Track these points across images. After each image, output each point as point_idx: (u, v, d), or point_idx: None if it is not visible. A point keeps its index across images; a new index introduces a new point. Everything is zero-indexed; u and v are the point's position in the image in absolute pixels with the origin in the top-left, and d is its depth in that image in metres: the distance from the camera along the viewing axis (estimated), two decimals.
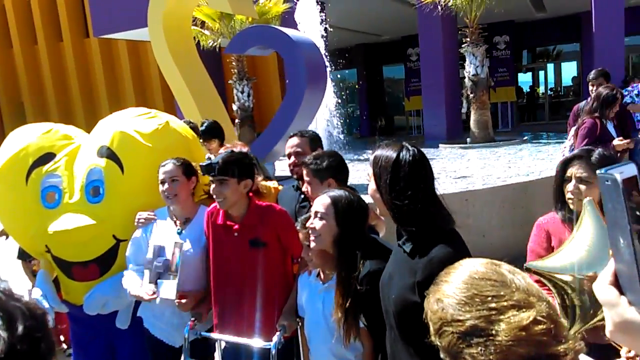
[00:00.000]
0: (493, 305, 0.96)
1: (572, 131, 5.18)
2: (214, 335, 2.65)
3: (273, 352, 2.42)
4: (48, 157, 3.15)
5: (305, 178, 2.65)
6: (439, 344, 1.04)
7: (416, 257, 1.77)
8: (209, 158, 4.06)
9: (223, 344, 2.80)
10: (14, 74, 23.40)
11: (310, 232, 2.26)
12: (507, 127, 17.24)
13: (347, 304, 2.14)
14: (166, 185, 2.75)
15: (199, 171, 2.96)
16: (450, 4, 8.98)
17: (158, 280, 2.67)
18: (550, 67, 21.12)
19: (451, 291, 1.04)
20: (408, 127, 20.79)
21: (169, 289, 2.64)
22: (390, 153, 1.82)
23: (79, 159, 3.15)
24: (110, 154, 3.05)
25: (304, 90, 6.22)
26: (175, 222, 2.86)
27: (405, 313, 1.78)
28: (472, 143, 9.21)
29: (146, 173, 3.04)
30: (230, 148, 3.20)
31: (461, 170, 6.89)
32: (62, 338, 4.39)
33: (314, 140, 3.08)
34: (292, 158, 3.01)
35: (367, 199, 2.14)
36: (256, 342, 2.51)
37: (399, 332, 1.85)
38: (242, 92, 11.40)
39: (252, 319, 2.59)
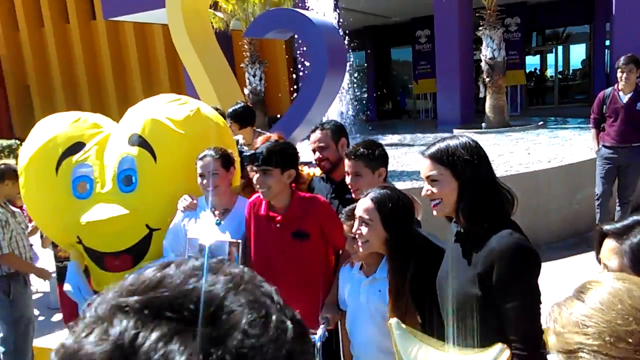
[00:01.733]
0: None
1: None
2: None
3: (318, 345, 2.39)
4: (78, 146, 3.10)
5: (352, 170, 2.58)
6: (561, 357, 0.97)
7: (475, 250, 1.75)
8: (241, 145, 4.01)
9: None
10: (20, 57, 23.30)
11: (357, 237, 2.21)
12: (516, 111, 17.06)
13: (400, 304, 2.11)
14: (206, 180, 2.71)
15: (236, 160, 2.92)
16: None
17: None
18: (559, 49, 20.85)
19: (600, 318, 0.93)
20: (415, 110, 20.64)
21: None
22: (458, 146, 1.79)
23: (110, 147, 3.10)
24: (142, 142, 3.00)
25: (325, 74, 6.13)
26: (213, 213, 2.82)
27: (466, 306, 1.75)
28: (487, 128, 9.11)
29: (179, 161, 3.00)
30: (265, 137, 3.14)
31: None
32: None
33: (336, 131, 2.99)
34: (317, 153, 2.94)
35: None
36: None
37: (457, 328, 1.82)
38: (254, 76, 11.31)
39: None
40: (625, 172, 5.15)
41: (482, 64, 9.34)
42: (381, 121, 18.11)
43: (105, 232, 2.95)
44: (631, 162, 5.10)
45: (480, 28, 9.34)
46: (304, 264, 2.56)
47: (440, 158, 1.80)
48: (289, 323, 0.53)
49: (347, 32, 9.78)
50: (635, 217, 1.40)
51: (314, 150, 2.95)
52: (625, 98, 5.11)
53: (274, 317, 0.53)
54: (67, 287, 3.01)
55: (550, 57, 21.55)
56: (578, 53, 21.16)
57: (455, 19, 10.67)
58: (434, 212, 1.88)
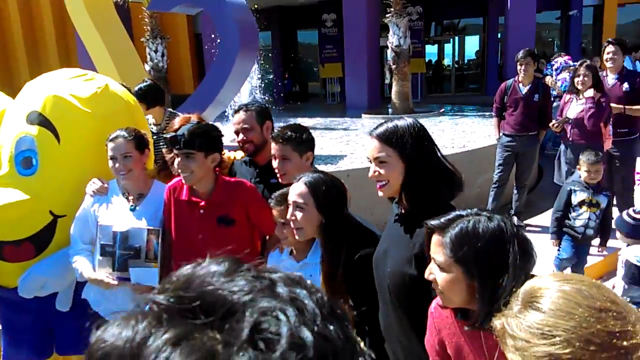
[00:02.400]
0: (623, 344, 0.90)
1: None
2: None
3: None
4: None
5: (279, 153, 2.51)
6: None
7: (415, 231, 1.78)
8: (151, 125, 3.78)
9: None
10: None
11: (291, 223, 2.17)
12: (416, 97, 17.77)
13: (335, 288, 2.10)
14: (118, 164, 2.52)
15: (150, 142, 2.75)
16: None
17: (130, 268, 2.48)
18: (456, 40, 21.94)
19: (565, 325, 0.93)
20: (322, 94, 20.83)
21: (148, 276, 2.49)
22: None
23: (5, 126, 2.80)
24: (42, 121, 2.72)
25: (237, 54, 5.96)
26: (127, 198, 2.63)
27: (401, 286, 1.81)
28: (393, 114, 9.38)
29: (85, 142, 2.78)
30: (184, 118, 2.97)
31: None
32: None
33: (261, 113, 2.91)
34: (241, 135, 2.85)
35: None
36: None
37: (393, 306, 1.85)
38: (156, 52, 10.75)
39: None
40: (522, 159, 5.53)
41: (389, 50, 9.57)
42: (289, 104, 18.04)
43: (3, 220, 2.66)
44: (527, 150, 5.50)
45: (388, 15, 9.55)
46: (230, 250, 2.46)
47: (388, 139, 1.79)
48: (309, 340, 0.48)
49: (254, 10, 9.57)
50: (457, 212, 1.47)
51: (237, 132, 2.84)
52: (524, 89, 5.47)
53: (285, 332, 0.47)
54: None
55: (448, 47, 22.64)
56: (472, 44, 22.43)
57: (363, 5, 10.83)
58: (380, 193, 1.88)
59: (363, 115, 9.56)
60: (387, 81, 9.93)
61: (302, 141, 2.55)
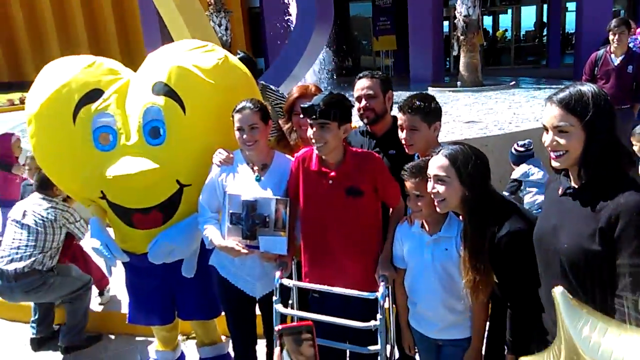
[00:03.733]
0: None
1: None
2: (309, 285, 2.54)
3: (381, 302, 2.34)
4: (95, 93, 2.84)
5: (408, 124, 2.48)
6: None
7: (597, 205, 1.69)
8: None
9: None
10: None
11: (433, 196, 2.15)
12: None
13: (479, 263, 2.08)
14: (246, 135, 2.55)
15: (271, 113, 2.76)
16: None
17: (260, 236, 2.52)
18: (512, 10, 21.12)
19: None
20: (375, 68, 20.53)
21: (277, 245, 2.53)
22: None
23: (131, 96, 2.86)
24: (168, 92, 2.77)
25: (314, 27, 5.92)
26: (252, 168, 2.67)
27: (582, 262, 1.71)
28: (461, 86, 9.16)
29: (210, 113, 2.82)
30: (303, 86, 2.98)
31: (466, 114, 6.86)
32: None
33: (385, 82, 2.88)
34: (364, 101, 2.81)
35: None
36: (357, 293, 2.42)
37: (566, 282, 1.78)
38: (220, 26, 10.79)
39: (346, 269, 2.49)
40: None
41: (457, 21, 9.30)
42: (344, 77, 17.90)
43: (133, 187, 2.75)
44: (621, 125, 5.26)
45: None
46: (357, 221, 2.48)
47: (572, 107, 1.70)
48: None
49: None
50: None
51: (359, 98, 2.81)
52: (617, 60, 5.24)
53: None
54: (94, 243, 2.81)
55: (504, 18, 21.87)
56: (530, 14, 21.58)
57: None
58: (556, 164, 1.80)
59: (429, 89, 9.38)
60: (454, 53, 9.60)
61: (431, 110, 2.51)
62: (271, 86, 4.34)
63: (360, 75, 2.88)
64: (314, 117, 2.33)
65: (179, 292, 3.02)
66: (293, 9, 8.42)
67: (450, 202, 2.14)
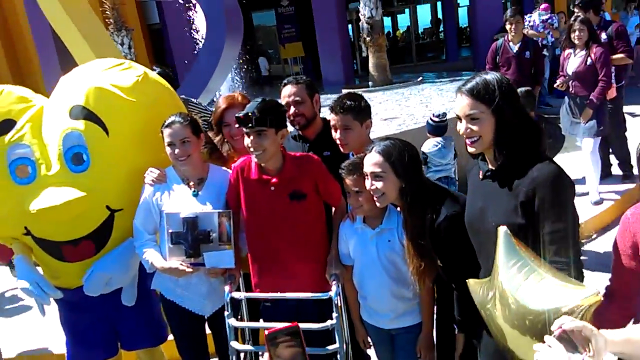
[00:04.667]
0: None
1: None
2: (262, 295, 2.51)
3: (336, 300, 2.37)
4: (7, 124, 2.66)
5: (341, 123, 2.54)
6: None
7: (512, 183, 1.83)
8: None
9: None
10: None
11: (372, 192, 2.21)
12: None
13: (422, 251, 2.16)
14: (177, 149, 2.49)
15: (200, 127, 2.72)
16: None
17: (204, 253, 2.46)
18: (407, 10, 22.04)
19: None
20: (285, 75, 20.62)
21: (223, 259, 2.48)
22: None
23: (47, 123, 2.71)
24: (88, 115, 2.65)
25: (225, 38, 5.88)
26: (187, 184, 2.61)
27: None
28: (373, 86, 9.45)
29: (134, 132, 2.73)
30: (228, 96, 2.95)
31: (382, 112, 7.08)
32: None
33: (310, 86, 2.94)
34: (292, 108, 2.85)
35: None
36: (311, 295, 2.43)
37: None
38: (122, 44, 10.42)
39: (297, 273, 2.50)
40: None
41: (361, 23, 9.58)
42: (255, 87, 17.81)
43: (60, 219, 2.59)
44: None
45: None
46: (303, 224, 2.50)
47: (479, 95, 1.84)
48: None
49: None
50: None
51: (287, 105, 2.84)
52: (515, 48, 5.63)
53: None
54: (22, 284, 2.61)
55: (402, 18, 22.78)
56: (426, 13, 22.64)
57: None
58: (471, 149, 1.93)
59: (343, 90, 9.55)
60: (364, 54, 9.90)
61: (362, 109, 2.59)
62: (192, 99, 4.27)
63: (285, 81, 2.91)
64: (250, 125, 2.32)
65: (120, 322, 2.88)
66: (199, 22, 8.31)
67: (389, 196, 2.22)
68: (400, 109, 7.22)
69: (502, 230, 1.67)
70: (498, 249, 1.66)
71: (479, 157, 2.02)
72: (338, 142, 2.59)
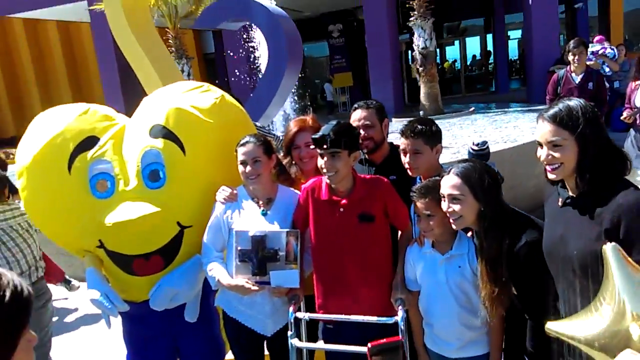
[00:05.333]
0: None
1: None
2: (326, 316, 2.52)
3: (402, 326, 2.36)
4: (91, 141, 2.79)
5: (411, 147, 2.56)
6: None
7: (595, 210, 1.80)
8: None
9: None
10: None
11: (449, 215, 2.21)
12: None
13: (498, 276, 2.13)
14: (249, 168, 2.57)
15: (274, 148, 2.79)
16: None
17: (271, 272, 2.51)
18: (458, 42, 22.05)
19: None
20: (334, 104, 20.91)
21: (289, 278, 2.52)
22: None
23: (128, 141, 2.84)
24: (167, 134, 2.77)
25: (285, 66, 6.03)
26: (257, 203, 2.67)
27: (595, 264, 1.79)
28: (424, 116, 9.42)
29: (210, 152, 2.83)
30: (300, 120, 3.03)
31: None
32: None
33: (380, 110, 2.99)
34: (362, 131, 2.87)
35: None
36: (376, 319, 2.42)
37: (582, 286, 1.86)
38: (182, 72, 10.83)
39: (362, 296, 2.50)
40: None
41: (415, 53, 9.65)
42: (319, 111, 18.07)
43: (134, 233, 2.69)
44: None
45: (412, 19, 9.65)
46: (371, 246, 2.51)
47: (563, 122, 1.82)
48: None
49: None
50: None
51: (357, 128, 2.88)
52: (577, 79, 5.55)
53: None
54: (93, 294, 2.71)
55: (451, 50, 22.78)
56: (475, 45, 22.57)
57: (384, 10, 10.95)
58: (552, 176, 1.91)
59: (394, 119, 9.61)
60: (419, 84, 9.92)
61: (432, 133, 2.60)
62: (256, 123, 4.39)
63: (356, 105, 2.96)
64: (325, 146, 2.38)
65: (181, 338, 2.93)
66: (259, 51, 8.57)
67: (467, 219, 2.20)
68: (454, 138, 7.18)
69: (609, 246, 1.58)
70: (608, 265, 1.57)
71: (559, 184, 1.99)
72: (407, 165, 2.61)
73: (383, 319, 2.40)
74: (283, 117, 8.96)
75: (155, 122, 2.79)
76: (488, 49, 21.47)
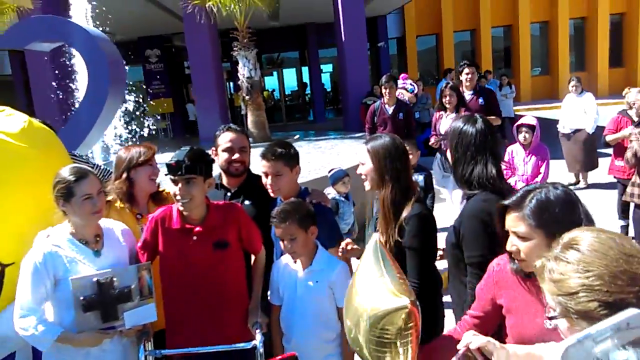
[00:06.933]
0: None
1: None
2: (179, 350, 2.39)
3: (261, 350, 2.35)
4: None
5: (272, 170, 2.59)
6: (565, 302, 1.19)
7: None
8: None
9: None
10: None
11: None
12: None
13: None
14: (96, 201, 2.32)
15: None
16: (219, 6, 9.17)
17: (125, 313, 2.30)
18: (275, 73, 22.95)
19: (599, 263, 1.18)
20: (152, 131, 20.08)
21: (146, 313, 2.34)
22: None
23: None
24: None
25: (107, 90, 5.68)
26: (84, 244, 2.37)
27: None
28: (253, 142, 9.50)
29: (27, 179, 2.55)
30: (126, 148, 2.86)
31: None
32: None
33: (248, 137, 3.04)
34: (237, 154, 2.85)
35: None
36: (233, 346, 2.38)
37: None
38: None
39: (221, 323, 2.44)
40: None
41: (241, 82, 9.81)
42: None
43: None
44: None
45: (235, 49, 9.81)
46: (227, 273, 2.48)
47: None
48: None
49: None
50: (526, 188, 1.70)
51: (230, 150, 2.84)
52: (390, 110, 6.24)
53: None
54: None
55: (270, 80, 23.61)
56: (292, 76, 23.73)
57: (206, 39, 10.96)
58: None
59: None
60: (242, 112, 10.06)
61: (292, 156, 2.68)
62: (73, 152, 4.02)
63: (229, 127, 2.93)
64: (180, 173, 2.30)
65: None
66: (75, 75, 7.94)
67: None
68: None
69: (376, 236, 1.81)
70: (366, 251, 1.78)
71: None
72: (269, 188, 2.64)
73: (241, 345, 2.38)
74: (102, 146, 8.37)
75: None
76: (304, 80, 22.75)
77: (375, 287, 1.64)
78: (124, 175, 2.73)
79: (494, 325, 1.88)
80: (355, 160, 6.78)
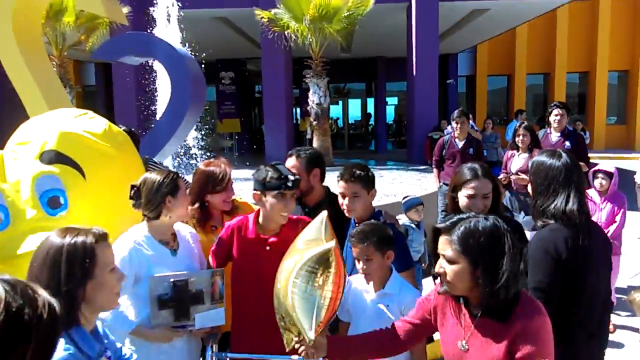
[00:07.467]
0: None
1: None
2: (246, 355, 2.45)
3: None
4: None
5: (350, 191, 2.64)
6: None
7: None
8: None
9: None
10: None
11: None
12: None
13: None
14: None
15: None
16: (297, 36, 9.49)
17: (196, 315, 2.39)
18: (340, 102, 23.32)
19: None
20: (218, 148, 20.75)
21: (216, 317, 2.43)
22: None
23: (11, 169, 2.63)
24: (63, 159, 2.63)
25: (188, 105, 5.97)
26: (163, 244, 2.49)
27: None
28: None
29: (111, 175, 2.74)
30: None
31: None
32: None
33: (310, 161, 3.02)
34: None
35: None
36: (295, 357, 2.40)
37: None
38: (72, 101, 10.17)
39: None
40: None
41: (311, 108, 10.04)
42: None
43: None
44: None
45: (307, 76, 10.07)
46: None
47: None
48: None
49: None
50: (460, 216, 1.77)
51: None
52: (460, 144, 6.18)
53: None
54: None
55: (335, 109, 24.01)
56: (357, 106, 24.03)
57: (282, 64, 11.32)
58: None
59: None
60: (308, 136, 10.31)
61: (369, 178, 2.72)
62: (153, 159, 4.23)
63: (290, 152, 3.02)
64: (289, 187, 2.46)
65: None
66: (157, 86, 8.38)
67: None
68: None
69: (325, 214, 2.12)
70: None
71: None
72: (345, 208, 2.68)
73: (302, 358, 2.39)
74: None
75: (46, 148, 2.64)
76: (368, 110, 22.94)
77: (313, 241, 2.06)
78: (197, 205, 2.86)
79: (420, 337, 2.08)
80: (422, 190, 6.82)
